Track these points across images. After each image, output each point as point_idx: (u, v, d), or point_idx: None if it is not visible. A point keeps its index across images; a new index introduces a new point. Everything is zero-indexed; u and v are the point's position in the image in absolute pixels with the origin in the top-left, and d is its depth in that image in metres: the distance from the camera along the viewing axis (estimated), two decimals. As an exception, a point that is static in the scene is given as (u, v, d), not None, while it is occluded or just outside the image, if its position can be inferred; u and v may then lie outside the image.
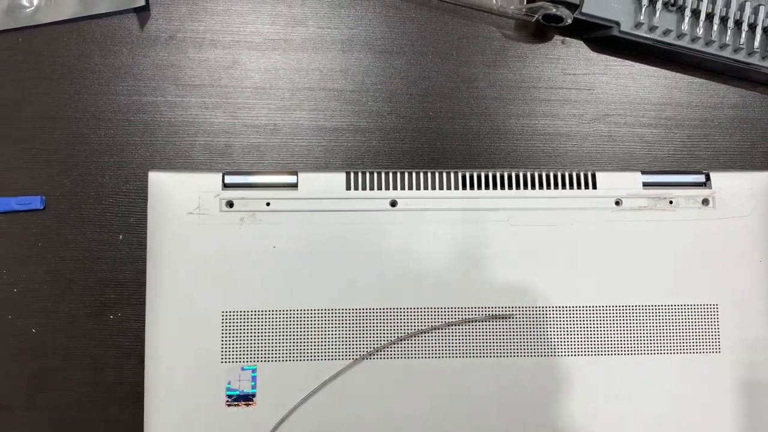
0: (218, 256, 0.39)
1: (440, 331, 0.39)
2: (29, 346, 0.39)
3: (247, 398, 0.38)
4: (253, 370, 0.38)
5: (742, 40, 0.43)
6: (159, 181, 0.39)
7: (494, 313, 0.39)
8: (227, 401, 0.38)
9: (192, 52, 0.42)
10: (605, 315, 0.39)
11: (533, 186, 0.40)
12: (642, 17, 0.42)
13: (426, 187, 0.40)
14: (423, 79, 0.43)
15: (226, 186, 0.39)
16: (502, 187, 0.40)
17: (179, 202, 0.39)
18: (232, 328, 0.38)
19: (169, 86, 0.41)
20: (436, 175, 0.40)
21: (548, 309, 0.39)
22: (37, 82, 0.41)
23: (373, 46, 0.42)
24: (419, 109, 0.42)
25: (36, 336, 0.39)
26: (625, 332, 0.39)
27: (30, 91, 0.41)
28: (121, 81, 0.41)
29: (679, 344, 0.40)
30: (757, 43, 0.43)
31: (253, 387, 0.38)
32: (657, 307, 0.40)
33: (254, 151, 0.41)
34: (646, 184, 0.41)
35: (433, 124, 0.42)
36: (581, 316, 0.39)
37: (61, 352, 0.39)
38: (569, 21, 0.42)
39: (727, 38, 0.43)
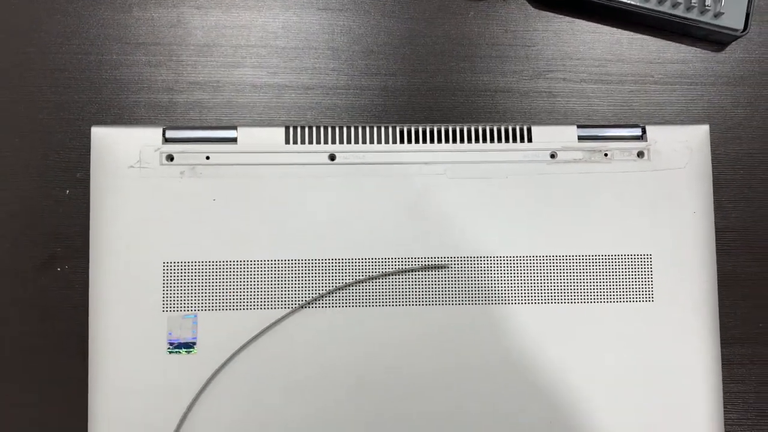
0: (159, 208, 0.39)
1: (378, 280, 0.40)
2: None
3: (188, 345, 0.39)
4: (194, 319, 0.39)
5: (679, -6, 0.43)
6: (101, 136, 0.40)
7: (431, 263, 0.40)
8: (169, 348, 0.39)
9: (137, 11, 0.42)
10: (540, 264, 0.40)
11: (470, 140, 0.41)
12: (579, -28, 0.43)
13: (365, 141, 0.41)
14: (365, 36, 0.43)
15: (166, 140, 0.40)
16: (440, 141, 0.41)
17: (121, 156, 0.40)
18: (173, 278, 0.39)
19: (114, 45, 0.42)
20: (375, 129, 0.41)
21: (483, 258, 0.40)
22: (-19, 40, 0.42)
23: (316, 2, 0.43)
24: (361, 66, 0.43)
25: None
26: (560, 282, 0.40)
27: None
28: (68, 40, 0.42)
29: (613, 293, 0.41)
30: (694, -2, 0.44)
31: (194, 335, 0.39)
32: (592, 257, 0.41)
33: (197, 108, 0.42)
34: (581, 138, 0.41)
35: (374, 81, 0.42)
36: (516, 265, 0.40)
37: (10, 303, 0.40)
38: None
39: (664, -7, 0.44)
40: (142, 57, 0.42)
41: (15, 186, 0.40)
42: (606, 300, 0.41)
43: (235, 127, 0.41)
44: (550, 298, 0.40)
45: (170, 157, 0.40)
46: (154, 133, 0.40)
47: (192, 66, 0.42)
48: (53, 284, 0.40)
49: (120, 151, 0.40)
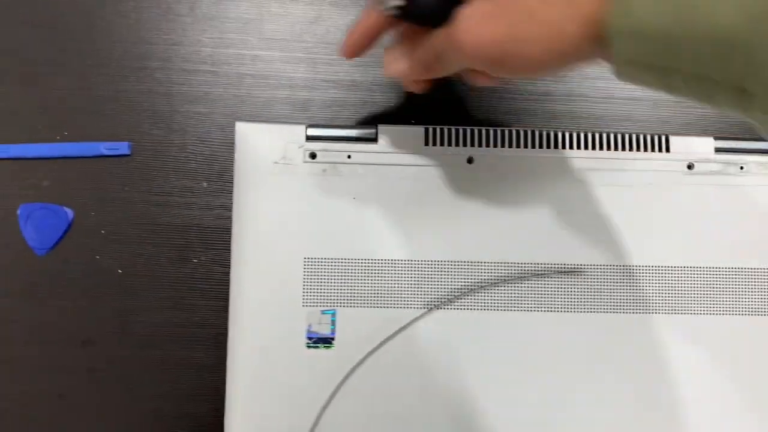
0: (301, 204, 0.40)
1: (512, 284, 0.40)
2: (115, 286, 0.41)
3: (326, 341, 0.39)
4: (333, 315, 0.40)
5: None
6: (246, 132, 0.41)
7: (566, 268, 0.40)
8: (307, 343, 0.39)
9: (275, 7, 0.43)
10: (675, 275, 0.40)
11: (608, 147, 0.41)
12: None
13: (503, 145, 0.41)
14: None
15: (309, 138, 0.40)
16: (578, 147, 0.41)
17: (265, 152, 0.40)
18: (313, 274, 0.40)
19: (252, 39, 0.42)
20: (514, 132, 0.41)
21: (618, 267, 0.40)
22: (123, 33, 0.42)
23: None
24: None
25: (122, 277, 0.41)
26: (693, 293, 0.40)
27: (116, 41, 0.42)
28: (207, 32, 0.42)
29: (744, 306, 0.41)
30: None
31: (332, 331, 0.39)
32: (725, 270, 0.41)
33: (333, 106, 0.42)
34: (718, 150, 0.41)
35: (512, 84, 0.43)
36: (649, 275, 0.40)
37: (146, 293, 0.41)
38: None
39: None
40: (280, 53, 0.42)
41: (152, 177, 0.41)
42: (737, 312, 0.41)
43: (375, 127, 0.41)
44: (682, 308, 0.40)
45: (313, 155, 0.40)
46: (297, 131, 0.40)
47: (328, 64, 0.42)
48: (188, 275, 0.41)
49: (264, 147, 0.40)
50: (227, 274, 0.40)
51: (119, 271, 0.41)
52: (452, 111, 0.43)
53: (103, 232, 0.41)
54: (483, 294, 0.40)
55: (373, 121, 0.42)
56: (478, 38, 0.27)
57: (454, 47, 0.28)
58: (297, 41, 0.43)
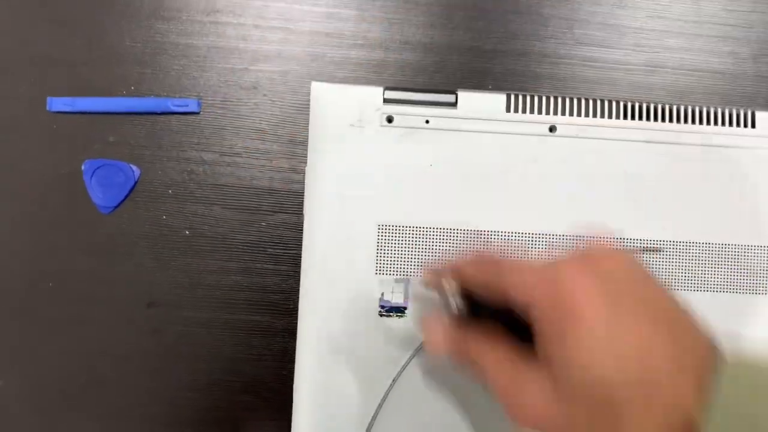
0: (376, 169, 0.39)
1: (590, 259, 0.39)
2: (183, 247, 0.40)
3: (399, 310, 0.38)
4: (406, 283, 0.39)
5: None
6: (321, 92, 0.39)
7: (647, 245, 0.39)
8: (381, 311, 0.38)
9: (349, -37, 0.41)
10: (760, 255, 0.39)
11: (693, 121, 0.40)
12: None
13: (587, 114, 0.39)
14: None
15: (386, 101, 0.39)
16: (663, 119, 0.40)
17: (341, 114, 0.39)
18: (386, 241, 0.39)
19: (326, -4, 0.41)
20: (598, 102, 0.39)
21: (701, 245, 0.39)
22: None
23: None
24: (581, 36, 0.41)
25: (189, 238, 0.40)
26: (773, 273, 0.39)
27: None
28: (279, -11, 0.41)
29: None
30: None
31: (406, 300, 0.38)
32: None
33: (408, 68, 0.41)
34: (806, 126, 0.40)
35: (592, 52, 0.41)
36: (734, 254, 0.39)
37: (214, 255, 0.40)
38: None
39: None
40: (355, 11, 0.41)
41: (221, 136, 0.40)
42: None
43: (454, 92, 0.39)
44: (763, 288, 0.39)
45: (390, 119, 0.39)
46: (374, 93, 0.39)
47: (401, 23, 0.41)
48: (258, 237, 0.40)
49: (340, 108, 0.39)
50: (298, 238, 0.39)
51: (186, 232, 0.40)
52: (531, 79, 0.41)
53: (170, 191, 0.40)
54: (560, 267, 0.39)
55: (448, 86, 0.40)
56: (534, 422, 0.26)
57: (508, 413, 0.27)
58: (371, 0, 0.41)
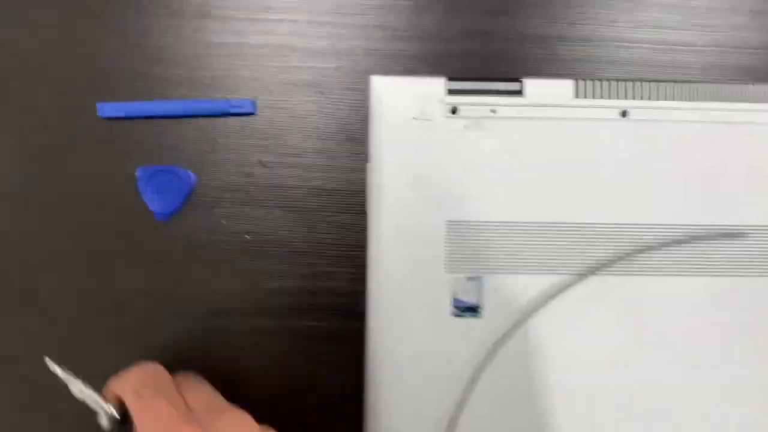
0: (442, 163, 0.37)
1: (670, 248, 0.37)
2: (244, 252, 0.38)
3: (473, 309, 0.37)
4: (479, 281, 0.37)
5: None
6: (381, 85, 0.38)
7: (725, 230, 0.37)
8: (454, 312, 0.37)
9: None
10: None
11: (771, 99, 0.38)
12: None
13: (659, 98, 0.38)
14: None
15: (450, 92, 0.37)
16: (741, 101, 0.38)
17: (402, 108, 0.37)
18: (456, 238, 0.37)
19: (379, -13, 0.39)
20: (671, 86, 0.38)
21: (786, 228, 0.37)
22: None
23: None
24: (653, 19, 0.39)
25: (250, 243, 0.38)
26: None
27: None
28: (331, -18, 0.39)
29: None
30: None
31: (479, 299, 0.37)
32: None
33: (469, 57, 0.39)
34: None
35: (662, 35, 0.39)
36: (821, 236, 0.37)
37: (277, 260, 0.38)
38: None
39: None
40: (410, 2, 0.39)
41: (279, 136, 0.38)
42: None
43: (518, 79, 0.38)
44: None
45: (454, 110, 0.37)
46: (436, 84, 0.38)
47: (459, 11, 0.39)
48: (319, 238, 0.38)
49: (401, 102, 0.37)
50: (362, 239, 0.38)
51: (247, 236, 0.39)
52: (599, 64, 0.40)
53: (228, 195, 0.39)
54: (639, 258, 0.37)
55: (510, 75, 0.39)
56: None
57: None
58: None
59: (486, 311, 0.37)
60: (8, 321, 0.38)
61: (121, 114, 0.38)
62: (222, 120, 0.39)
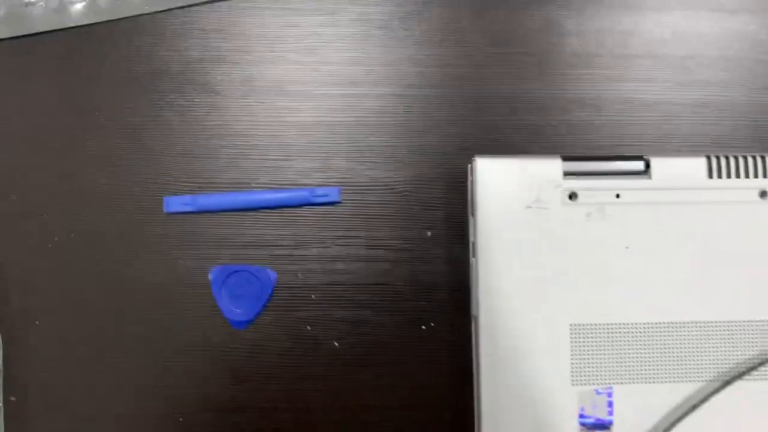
0: (563, 258, 0.32)
1: (826, 347, 0.32)
2: (333, 361, 0.34)
3: (603, 426, 0.32)
4: (609, 394, 0.32)
5: None
6: (488, 168, 0.33)
7: None
8: (581, 430, 0.32)
9: (502, 10, 0.35)
10: None
11: None
12: None
13: (805, 175, 0.33)
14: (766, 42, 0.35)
15: (566, 174, 0.33)
16: None
17: (513, 192, 0.33)
18: (582, 344, 0.32)
19: (478, 54, 0.35)
20: (818, 159, 0.33)
21: None
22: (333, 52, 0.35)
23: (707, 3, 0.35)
24: (764, 79, 0.35)
25: (339, 351, 0.34)
26: None
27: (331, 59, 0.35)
28: (424, 50, 0.35)
29: None
30: None
31: (610, 413, 0.32)
32: None
33: (576, 129, 0.35)
34: None
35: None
36: None
37: (371, 368, 0.34)
38: None
39: None
40: (512, 69, 0.35)
41: (367, 225, 0.34)
42: None
43: (642, 157, 0.33)
44: None
45: (573, 195, 0.33)
46: (551, 166, 0.33)
47: (565, 78, 0.35)
48: (422, 346, 0.33)
49: (511, 187, 0.33)
50: (466, 344, 0.33)
51: (336, 344, 0.34)
52: (731, 136, 0.35)
53: (313, 296, 0.34)
54: (792, 361, 0.32)
55: (624, 151, 0.34)
56: None
57: None
58: (527, 53, 0.35)
59: (618, 428, 0.32)
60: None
61: (190, 208, 0.34)
62: (303, 211, 0.34)
